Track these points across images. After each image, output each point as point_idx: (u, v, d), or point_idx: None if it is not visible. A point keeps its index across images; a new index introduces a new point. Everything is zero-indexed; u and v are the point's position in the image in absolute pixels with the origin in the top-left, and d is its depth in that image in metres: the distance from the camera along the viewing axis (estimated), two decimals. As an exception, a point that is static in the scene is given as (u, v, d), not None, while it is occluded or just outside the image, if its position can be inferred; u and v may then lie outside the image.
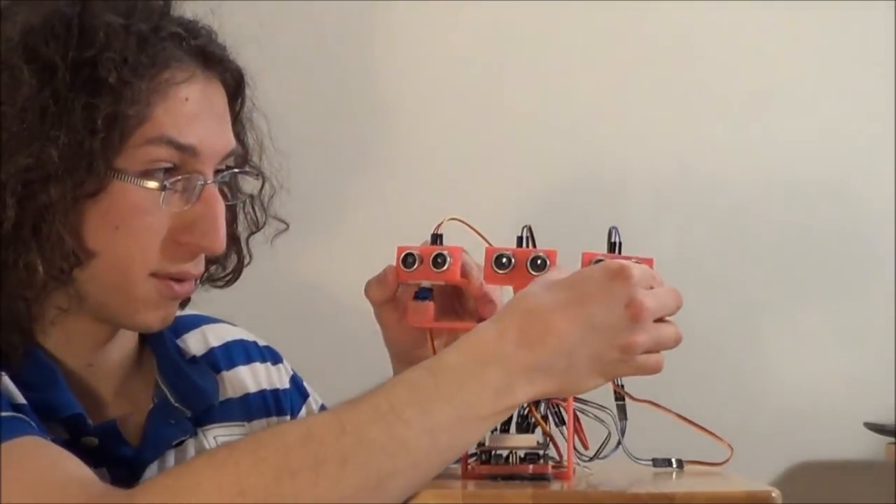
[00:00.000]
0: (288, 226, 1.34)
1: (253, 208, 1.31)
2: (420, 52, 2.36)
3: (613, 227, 1.14)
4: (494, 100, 2.36)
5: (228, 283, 1.32)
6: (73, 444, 1.15)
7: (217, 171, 1.20)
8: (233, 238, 1.29)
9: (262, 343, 1.40)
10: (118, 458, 1.17)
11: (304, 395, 1.40)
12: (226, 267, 1.30)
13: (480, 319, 1.21)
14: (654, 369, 1.08)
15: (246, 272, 1.33)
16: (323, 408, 1.40)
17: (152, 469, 1.20)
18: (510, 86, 2.37)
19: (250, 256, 1.32)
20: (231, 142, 1.21)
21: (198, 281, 1.23)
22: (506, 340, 1.03)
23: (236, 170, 1.23)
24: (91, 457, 1.15)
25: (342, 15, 2.31)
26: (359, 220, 2.32)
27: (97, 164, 1.12)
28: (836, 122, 2.46)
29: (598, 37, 2.40)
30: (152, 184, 1.14)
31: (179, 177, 1.15)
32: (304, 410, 1.39)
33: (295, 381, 1.40)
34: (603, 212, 2.32)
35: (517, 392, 1.03)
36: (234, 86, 1.23)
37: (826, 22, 2.45)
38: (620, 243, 1.13)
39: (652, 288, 1.07)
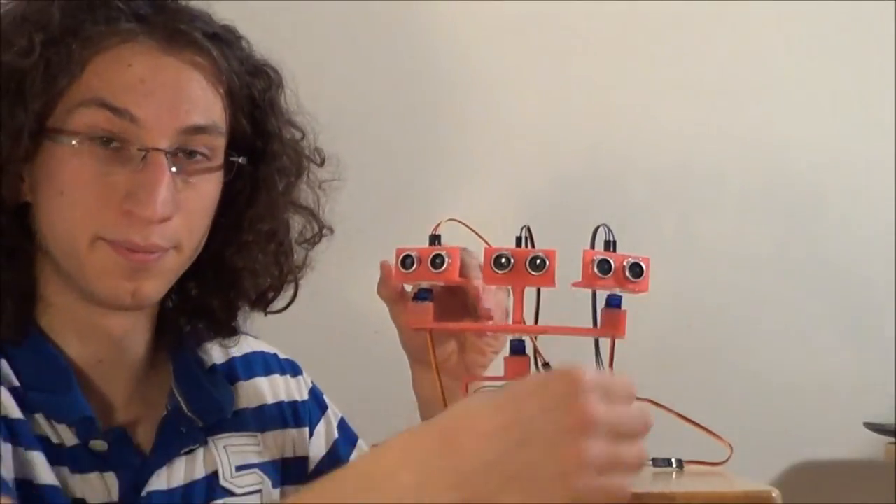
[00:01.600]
0: (333, 230, 1.33)
1: (310, 222, 1.30)
2: (419, 52, 2.36)
3: (603, 225, 1.12)
4: (493, 98, 2.36)
5: (279, 306, 1.31)
6: (82, 446, 1.15)
7: (187, 150, 1.17)
8: (275, 256, 1.28)
9: (282, 356, 1.40)
10: (127, 463, 1.17)
11: (323, 408, 1.41)
12: (270, 287, 1.29)
13: (480, 319, 1.21)
14: (616, 495, 0.92)
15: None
16: (342, 421, 1.41)
17: (160, 474, 1.20)
18: (509, 83, 2.37)
19: (304, 268, 1.31)
20: (189, 119, 1.16)
21: (164, 256, 1.18)
22: (422, 445, 0.93)
23: (185, 147, 1.17)
24: (100, 460, 1.16)
25: (343, 19, 2.32)
26: (367, 228, 2.31)
27: (28, 124, 1.12)
28: (837, 115, 2.46)
29: (597, 30, 2.40)
30: (90, 148, 1.13)
31: (115, 142, 1.14)
32: (322, 422, 1.39)
33: (314, 393, 1.41)
34: (603, 207, 2.32)
35: (434, 496, 0.92)
36: (214, 68, 1.20)
37: (827, 14, 2.45)
38: (615, 241, 1.11)
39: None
